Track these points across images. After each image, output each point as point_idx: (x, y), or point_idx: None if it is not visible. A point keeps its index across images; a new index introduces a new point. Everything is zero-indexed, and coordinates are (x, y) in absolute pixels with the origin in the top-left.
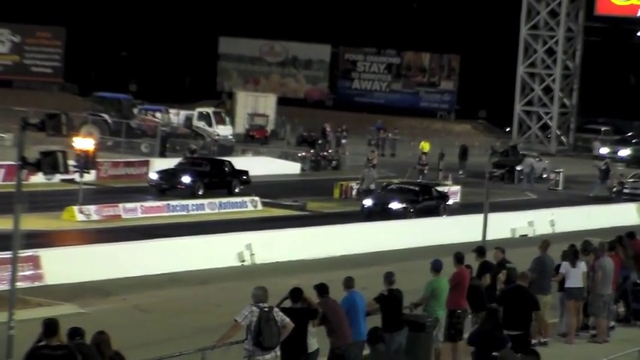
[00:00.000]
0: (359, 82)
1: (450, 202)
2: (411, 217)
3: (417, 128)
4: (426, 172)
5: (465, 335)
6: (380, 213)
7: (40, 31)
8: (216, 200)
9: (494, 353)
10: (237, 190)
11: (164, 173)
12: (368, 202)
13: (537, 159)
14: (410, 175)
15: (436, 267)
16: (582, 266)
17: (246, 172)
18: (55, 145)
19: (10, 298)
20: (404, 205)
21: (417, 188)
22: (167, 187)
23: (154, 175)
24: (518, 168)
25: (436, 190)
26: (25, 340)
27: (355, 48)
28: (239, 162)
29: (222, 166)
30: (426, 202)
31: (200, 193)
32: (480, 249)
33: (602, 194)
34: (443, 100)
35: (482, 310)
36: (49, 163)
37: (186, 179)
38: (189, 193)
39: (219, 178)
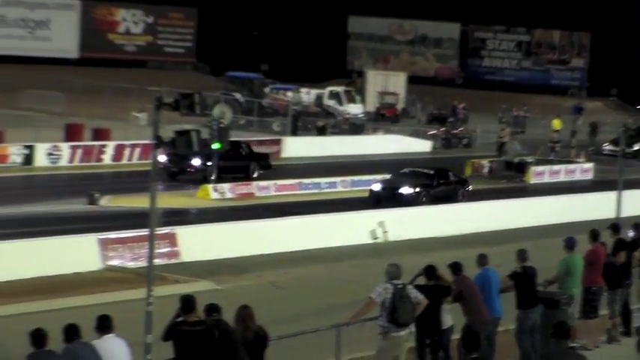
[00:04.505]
0: (489, 59)
1: (470, 187)
2: (424, 203)
3: (547, 106)
4: (557, 149)
5: (601, 312)
6: (389, 198)
7: (172, 12)
8: (349, 178)
9: None
10: (255, 175)
11: (173, 156)
12: (377, 187)
13: None
14: (542, 152)
15: (570, 244)
16: None
17: (266, 156)
18: (188, 124)
19: (149, 274)
20: (416, 190)
21: (431, 172)
22: (176, 170)
23: (162, 158)
24: None
25: (454, 174)
26: (163, 316)
27: (485, 26)
28: (370, 140)
29: (237, 148)
30: (441, 187)
31: (212, 177)
32: (614, 226)
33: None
34: (573, 78)
35: (617, 287)
36: (184, 142)
37: (196, 162)
38: (201, 177)
39: (234, 161)
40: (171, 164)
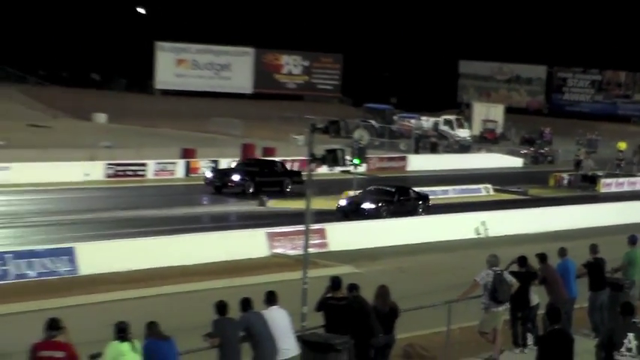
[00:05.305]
0: (569, 94)
1: (429, 203)
2: (385, 217)
3: (615, 131)
4: (622, 165)
5: None
6: (354, 212)
7: (323, 57)
8: (458, 187)
9: None
10: (288, 190)
11: (217, 172)
12: (343, 203)
13: None
14: (610, 167)
15: (632, 240)
16: None
17: (298, 173)
18: (336, 144)
19: (304, 260)
20: (378, 205)
21: (393, 189)
22: (219, 184)
23: (208, 174)
24: None
25: (414, 191)
26: (314, 292)
27: (565, 68)
28: (475, 158)
29: (272, 166)
30: (401, 203)
31: (250, 191)
32: None
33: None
34: (635, 109)
35: None
36: (332, 158)
37: (235, 177)
38: (240, 190)
39: (269, 177)
40: (215, 179)
